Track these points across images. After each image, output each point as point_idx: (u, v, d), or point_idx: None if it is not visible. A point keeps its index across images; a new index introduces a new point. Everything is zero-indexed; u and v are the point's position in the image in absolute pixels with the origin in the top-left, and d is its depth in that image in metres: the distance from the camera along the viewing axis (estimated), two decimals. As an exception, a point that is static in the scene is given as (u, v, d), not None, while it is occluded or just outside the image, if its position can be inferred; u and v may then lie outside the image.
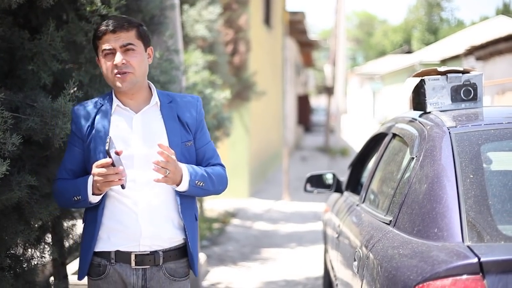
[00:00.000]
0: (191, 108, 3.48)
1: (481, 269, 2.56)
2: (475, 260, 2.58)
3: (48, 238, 4.65)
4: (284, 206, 14.42)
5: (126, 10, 4.88)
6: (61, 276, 4.89)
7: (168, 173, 3.17)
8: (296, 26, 24.48)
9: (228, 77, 12.21)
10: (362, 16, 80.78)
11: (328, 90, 31.15)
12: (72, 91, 3.84)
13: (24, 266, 4.18)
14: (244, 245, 10.19)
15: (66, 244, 4.88)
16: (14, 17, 4.20)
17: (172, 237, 3.38)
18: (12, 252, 4.11)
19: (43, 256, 4.39)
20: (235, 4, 13.40)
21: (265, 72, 18.37)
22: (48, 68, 4.03)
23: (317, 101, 65.53)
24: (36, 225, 4.21)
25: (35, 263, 4.29)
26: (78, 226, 5.13)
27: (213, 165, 3.51)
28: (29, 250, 4.32)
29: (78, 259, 3.77)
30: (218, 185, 3.47)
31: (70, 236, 4.96)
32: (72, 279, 5.18)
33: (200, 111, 3.51)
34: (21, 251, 4.26)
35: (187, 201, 3.41)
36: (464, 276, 2.57)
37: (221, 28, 12.48)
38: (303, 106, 39.16)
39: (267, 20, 19.90)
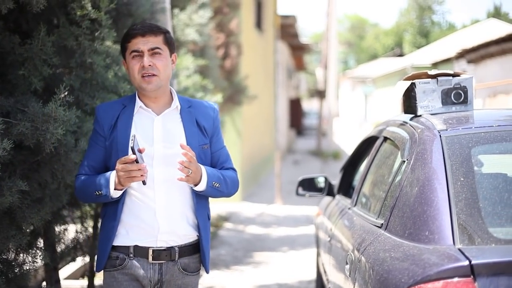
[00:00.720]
0: (208, 114, 3.65)
1: (472, 271, 2.57)
2: (466, 262, 2.59)
3: (40, 243, 4.64)
4: (276, 210, 14.41)
5: (116, 14, 4.88)
6: (53, 280, 4.89)
7: (191, 173, 3.33)
8: (287, 30, 24.48)
9: (220, 81, 12.19)
10: (354, 19, 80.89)
11: (320, 94, 31.14)
12: (62, 95, 3.84)
13: (16, 271, 4.17)
14: (236, 249, 10.18)
15: (58, 248, 4.87)
16: (5, 22, 4.19)
17: (186, 234, 3.55)
18: (3, 257, 4.10)
19: (35, 261, 4.38)
20: (226, 8, 13.38)
21: (256, 76, 18.37)
22: (39, 73, 4.03)
23: (309, 105, 65.59)
24: (27, 230, 4.20)
25: (27, 268, 4.28)
26: (70, 231, 5.13)
27: (226, 168, 3.68)
28: (21, 255, 4.31)
29: (72, 263, 3.77)
30: (231, 188, 3.65)
31: (62, 241, 4.95)
32: (65, 283, 5.17)
33: (216, 117, 3.68)
34: (13, 256, 4.25)
35: (202, 201, 3.59)
36: (456, 279, 2.57)
37: (212, 32, 12.45)
38: (295, 109, 39.15)
39: (259, 24, 19.90)
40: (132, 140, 3.19)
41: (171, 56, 3.55)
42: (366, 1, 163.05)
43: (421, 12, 59.00)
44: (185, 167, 3.29)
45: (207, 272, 3.68)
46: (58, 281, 4.94)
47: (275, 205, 15.08)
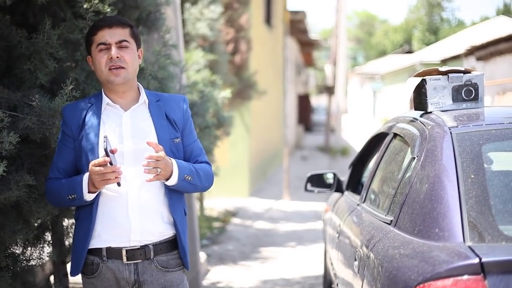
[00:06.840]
0: (178, 107, 3.58)
1: (482, 269, 2.55)
2: (476, 260, 2.56)
3: (48, 236, 4.63)
4: (284, 206, 14.42)
5: (123, 6, 4.86)
6: (61, 274, 4.88)
7: (160, 171, 3.25)
8: (297, 26, 24.48)
9: (229, 76, 12.20)
10: (363, 15, 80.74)
11: (329, 90, 31.14)
12: (69, 89, 3.82)
13: (23, 265, 4.16)
14: (244, 244, 10.18)
15: (66, 242, 4.86)
16: (12, 16, 4.17)
17: (161, 232, 3.45)
18: (11, 251, 4.09)
19: (42, 256, 4.37)
20: (236, 3, 13.39)
21: (265, 72, 18.36)
22: (45, 67, 4.01)
23: (318, 101, 65.53)
24: (35, 224, 4.19)
25: (34, 262, 4.27)
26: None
27: (200, 162, 3.60)
28: (28, 249, 4.31)
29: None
30: (204, 181, 3.56)
31: (70, 234, 4.94)
32: (73, 277, 5.15)
33: (186, 109, 3.61)
34: (20, 250, 4.24)
35: (176, 196, 3.49)
36: (465, 277, 2.55)
37: (222, 27, 12.46)
38: (304, 105, 39.14)
39: (268, 19, 19.89)
40: (104, 141, 3.12)
41: (137, 51, 3.50)
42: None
43: (431, 9, 58.72)
44: (153, 167, 3.22)
45: (187, 268, 3.59)
46: (66, 275, 4.93)
47: (283, 200, 15.09)
